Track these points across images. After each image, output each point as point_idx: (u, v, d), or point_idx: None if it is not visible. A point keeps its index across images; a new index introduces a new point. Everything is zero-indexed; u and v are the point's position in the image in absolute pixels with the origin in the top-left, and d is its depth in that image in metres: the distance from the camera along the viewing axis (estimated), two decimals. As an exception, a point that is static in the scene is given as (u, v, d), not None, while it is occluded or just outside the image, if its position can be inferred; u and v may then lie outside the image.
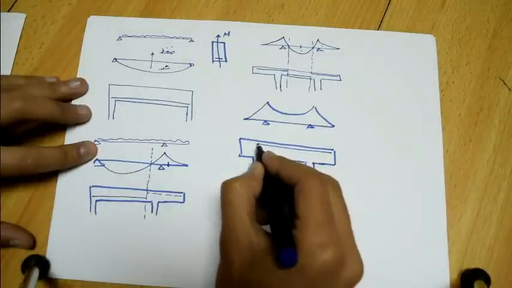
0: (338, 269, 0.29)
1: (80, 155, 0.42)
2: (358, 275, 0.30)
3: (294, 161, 0.37)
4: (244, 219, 0.32)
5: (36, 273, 0.37)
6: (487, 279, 0.39)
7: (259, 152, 0.41)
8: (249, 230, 0.32)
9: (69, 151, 0.42)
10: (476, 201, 0.43)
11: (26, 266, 0.39)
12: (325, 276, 0.28)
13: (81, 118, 0.44)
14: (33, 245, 0.41)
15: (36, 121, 0.43)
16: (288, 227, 0.30)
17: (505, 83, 0.46)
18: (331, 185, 0.33)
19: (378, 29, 0.48)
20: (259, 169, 0.37)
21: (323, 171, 0.34)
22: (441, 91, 0.46)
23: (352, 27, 0.48)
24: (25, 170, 0.39)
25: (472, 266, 0.40)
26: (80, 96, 0.45)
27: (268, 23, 0.49)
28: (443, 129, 0.44)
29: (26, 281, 0.36)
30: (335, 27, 0.48)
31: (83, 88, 0.45)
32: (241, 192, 0.33)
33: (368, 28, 0.48)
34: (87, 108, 0.44)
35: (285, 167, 0.35)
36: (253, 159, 0.43)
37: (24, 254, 0.40)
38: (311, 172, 0.33)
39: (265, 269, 0.29)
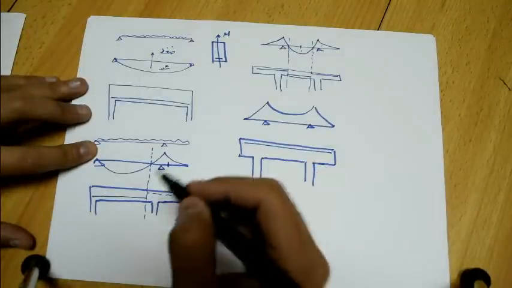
0: (315, 277, 0.28)
1: (80, 155, 0.42)
2: (329, 274, 0.29)
3: (242, 178, 0.30)
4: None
5: (36, 273, 0.37)
6: (487, 279, 0.39)
7: (172, 184, 0.31)
8: None
9: (69, 151, 0.42)
10: (476, 201, 0.43)
11: (26, 266, 0.39)
12: None
13: (81, 118, 0.44)
14: (33, 245, 0.41)
15: (36, 121, 0.43)
16: (279, 271, 0.26)
17: (505, 83, 0.46)
18: (283, 191, 0.29)
19: (378, 29, 0.48)
20: (206, 211, 0.28)
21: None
22: (441, 91, 0.46)
23: (352, 27, 0.48)
24: (25, 170, 0.39)
25: (472, 266, 0.40)
26: (80, 96, 0.45)
27: (268, 23, 0.49)
28: (443, 129, 0.44)
29: (26, 281, 0.36)
30: (335, 27, 0.48)
31: (82, 88, 0.45)
32: (202, 253, 0.26)
33: (368, 28, 0.48)
34: (87, 108, 0.44)
35: (237, 188, 0.29)
36: (172, 192, 0.31)
37: (24, 254, 0.40)
38: (269, 188, 0.28)
39: None
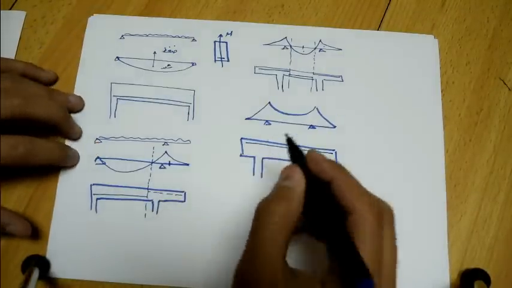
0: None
1: (69, 155, 0.42)
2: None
3: (352, 177, 0.31)
4: (277, 261, 0.27)
5: (36, 273, 0.37)
6: (487, 279, 0.39)
7: (293, 147, 0.33)
8: (278, 274, 0.27)
9: (62, 146, 0.42)
10: (476, 201, 0.43)
11: (26, 266, 0.39)
12: None
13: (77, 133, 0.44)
14: (30, 233, 0.39)
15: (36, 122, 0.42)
16: (358, 253, 0.27)
17: (505, 83, 0.46)
18: (387, 216, 0.30)
19: (378, 29, 0.48)
20: (300, 187, 0.30)
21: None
22: (441, 91, 0.46)
23: (352, 27, 0.48)
24: (16, 159, 0.37)
25: (472, 266, 0.40)
26: (75, 112, 0.45)
27: (268, 23, 0.49)
28: (443, 129, 0.44)
29: (26, 281, 0.36)
30: (335, 27, 0.48)
31: (79, 104, 0.45)
32: (282, 225, 0.28)
33: (368, 28, 0.48)
34: (80, 128, 0.44)
35: (343, 184, 0.30)
36: (289, 155, 0.33)
37: (24, 253, 0.40)
38: (370, 206, 0.29)
39: None
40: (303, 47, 0.47)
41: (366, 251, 0.27)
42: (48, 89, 0.43)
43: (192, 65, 0.47)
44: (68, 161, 0.42)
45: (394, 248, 0.29)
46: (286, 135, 0.33)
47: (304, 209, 0.30)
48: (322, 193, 0.30)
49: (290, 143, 0.33)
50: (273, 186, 0.32)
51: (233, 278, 0.28)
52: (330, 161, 0.31)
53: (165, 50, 0.47)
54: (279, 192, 0.30)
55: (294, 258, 0.39)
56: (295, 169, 0.31)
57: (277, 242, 0.28)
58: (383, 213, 0.29)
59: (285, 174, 0.31)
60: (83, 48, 0.47)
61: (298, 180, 0.30)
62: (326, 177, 0.30)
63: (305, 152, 0.32)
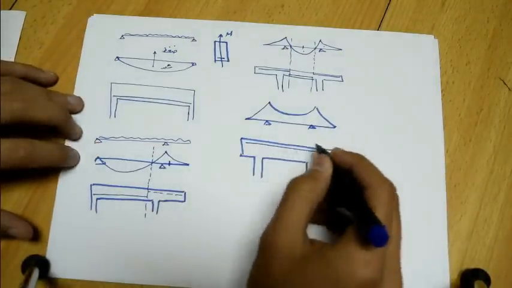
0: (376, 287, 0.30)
1: (69, 155, 0.42)
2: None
3: (370, 162, 0.36)
4: (299, 228, 0.32)
5: (36, 273, 0.37)
6: (487, 279, 0.39)
7: (321, 151, 0.41)
8: (299, 239, 0.32)
9: (62, 147, 0.42)
10: (476, 201, 0.43)
11: (26, 266, 0.39)
12: None
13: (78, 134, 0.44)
14: (32, 236, 0.40)
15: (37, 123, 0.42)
16: (373, 213, 0.30)
17: (505, 83, 0.46)
18: (396, 200, 0.34)
19: (378, 29, 0.48)
20: (328, 171, 0.36)
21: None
22: (441, 91, 0.46)
23: (352, 27, 0.48)
24: (16, 162, 0.37)
25: (472, 266, 0.40)
26: (74, 113, 0.45)
27: (268, 23, 0.49)
28: (443, 129, 0.44)
29: (26, 281, 0.36)
30: (335, 27, 0.48)
31: (79, 105, 0.45)
32: (308, 198, 0.33)
33: (368, 28, 0.48)
34: (80, 128, 0.44)
35: (361, 166, 0.35)
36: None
37: (24, 254, 0.40)
38: (385, 181, 0.34)
39: (303, 277, 0.30)
40: (303, 47, 0.47)
41: (379, 214, 0.31)
42: (47, 91, 0.43)
43: (192, 65, 0.47)
44: (69, 161, 0.42)
45: (399, 230, 0.33)
46: (316, 145, 0.43)
47: (329, 193, 0.35)
48: (345, 177, 0.36)
49: (319, 149, 0.42)
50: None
51: (259, 243, 0.33)
52: (351, 152, 0.38)
53: (165, 50, 0.47)
54: (310, 173, 0.36)
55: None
56: (325, 158, 0.37)
57: (302, 212, 0.32)
58: (395, 192, 0.34)
59: (317, 161, 0.37)
60: (83, 48, 0.47)
61: (327, 167, 0.36)
62: (347, 165, 0.36)
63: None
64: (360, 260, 0.29)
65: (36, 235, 0.41)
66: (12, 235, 0.39)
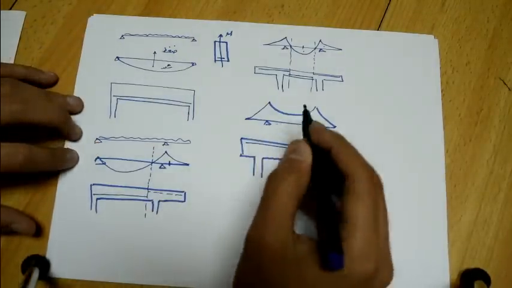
0: (374, 277, 0.29)
1: (66, 159, 0.42)
2: (389, 280, 0.31)
3: (350, 145, 0.34)
4: (287, 228, 0.30)
5: (36, 273, 0.37)
6: (487, 279, 0.39)
7: (306, 118, 0.37)
8: (289, 239, 0.30)
9: (57, 153, 0.41)
10: (476, 201, 0.43)
11: (26, 266, 0.39)
12: (362, 285, 0.29)
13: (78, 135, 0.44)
14: (34, 231, 0.40)
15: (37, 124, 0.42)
16: (337, 229, 0.29)
17: (505, 83, 0.46)
18: (379, 186, 0.32)
19: (378, 29, 0.48)
20: (308, 160, 0.33)
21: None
22: (441, 91, 0.46)
23: (352, 27, 0.48)
24: (15, 166, 0.37)
25: (472, 266, 0.41)
26: (74, 114, 0.45)
27: (268, 23, 0.49)
28: (443, 129, 0.44)
29: (26, 281, 0.36)
30: (335, 27, 0.48)
31: (78, 106, 0.45)
32: (292, 194, 0.31)
33: (368, 28, 0.48)
34: (80, 129, 0.44)
35: (340, 151, 0.33)
36: (303, 129, 0.37)
37: (24, 253, 0.40)
38: (365, 169, 0.32)
39: (296, 276, 0.29)
40: (303, 47, 0.47)
41: (362, 206, 0.30)
42: (47, 92, 0.43)
43: (192, 65, 0.47)
44: (66, 165, 0.42)
45: (385, 215, 0.32)
46: (305, 106, 0.37)
47: (311, 180, 0.32)
48: (324, 161, 0.33)
49: (305, 115, 0.37)
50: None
51: (244, 243, 0.31)
52: (330, 131, 0.35)
53: (165, 50, 0.47)
54: (289, 164, 0.33)
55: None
56: (302, 143, 0.34)
57: (288, 209, 0.30)
58: (377, 178, 0.32)
59: (292, 148, 0.34)
60: (83, 48, 0.47)
61: (306, 154, 0.33)
62: (326, 146, 0.33)
63: None
64: (363, 254, 0.29)
65: (39, 231, 0.41)
66: (15, 230, 0.40)
